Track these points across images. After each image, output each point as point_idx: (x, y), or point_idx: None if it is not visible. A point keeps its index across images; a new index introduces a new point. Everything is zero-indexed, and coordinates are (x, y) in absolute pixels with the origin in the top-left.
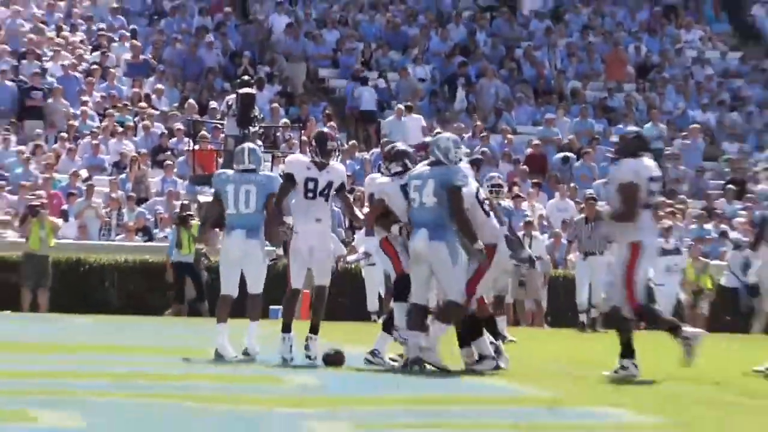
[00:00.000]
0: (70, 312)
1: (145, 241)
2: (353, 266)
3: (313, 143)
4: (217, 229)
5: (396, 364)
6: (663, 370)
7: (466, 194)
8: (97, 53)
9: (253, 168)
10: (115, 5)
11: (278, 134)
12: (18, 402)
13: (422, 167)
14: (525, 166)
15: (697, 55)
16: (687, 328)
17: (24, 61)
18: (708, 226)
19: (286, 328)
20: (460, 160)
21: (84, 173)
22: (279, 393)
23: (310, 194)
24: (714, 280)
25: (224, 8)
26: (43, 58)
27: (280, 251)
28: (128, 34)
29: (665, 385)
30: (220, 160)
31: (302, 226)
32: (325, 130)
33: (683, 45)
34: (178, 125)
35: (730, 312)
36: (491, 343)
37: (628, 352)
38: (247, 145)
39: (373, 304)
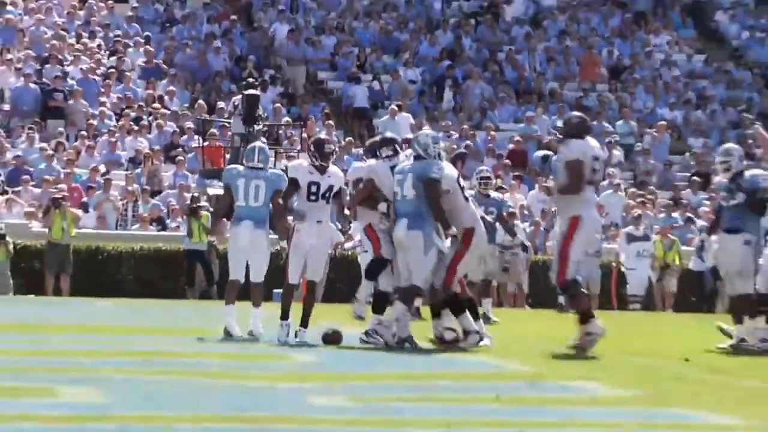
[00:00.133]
0: (89, 296)
1: (159, 231)
2: (350, 253)
3: (312, 148)
4: (225, 219)
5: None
6: (634, 347)
7: (448, 179)
8: (113, 58)
9: (261, 166)
10: (130, 14)
11: (281, 132)
12: (42, 379)
13: (405, 162)
14: (507, 161)
15: (665, 57)
16: (596, 323)
17: (47, 66)
18: (675, 214)
19: (285, 316)
20: (439, 155)
21: (102, 168)
22: (282, 370)
23: (313, 197)
24: (681, 254)
25: (231, 16)
26: (64, 63)
27: (284, 244)
28: (142, 40)
29: (636, 360)
30: (228, 156)
31: (305, 226)
32: (322, 135)
33: (652, 49)
34: (189, 124)
35: (696, 293)
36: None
37: (587, 318)
38: (257, 144)
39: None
